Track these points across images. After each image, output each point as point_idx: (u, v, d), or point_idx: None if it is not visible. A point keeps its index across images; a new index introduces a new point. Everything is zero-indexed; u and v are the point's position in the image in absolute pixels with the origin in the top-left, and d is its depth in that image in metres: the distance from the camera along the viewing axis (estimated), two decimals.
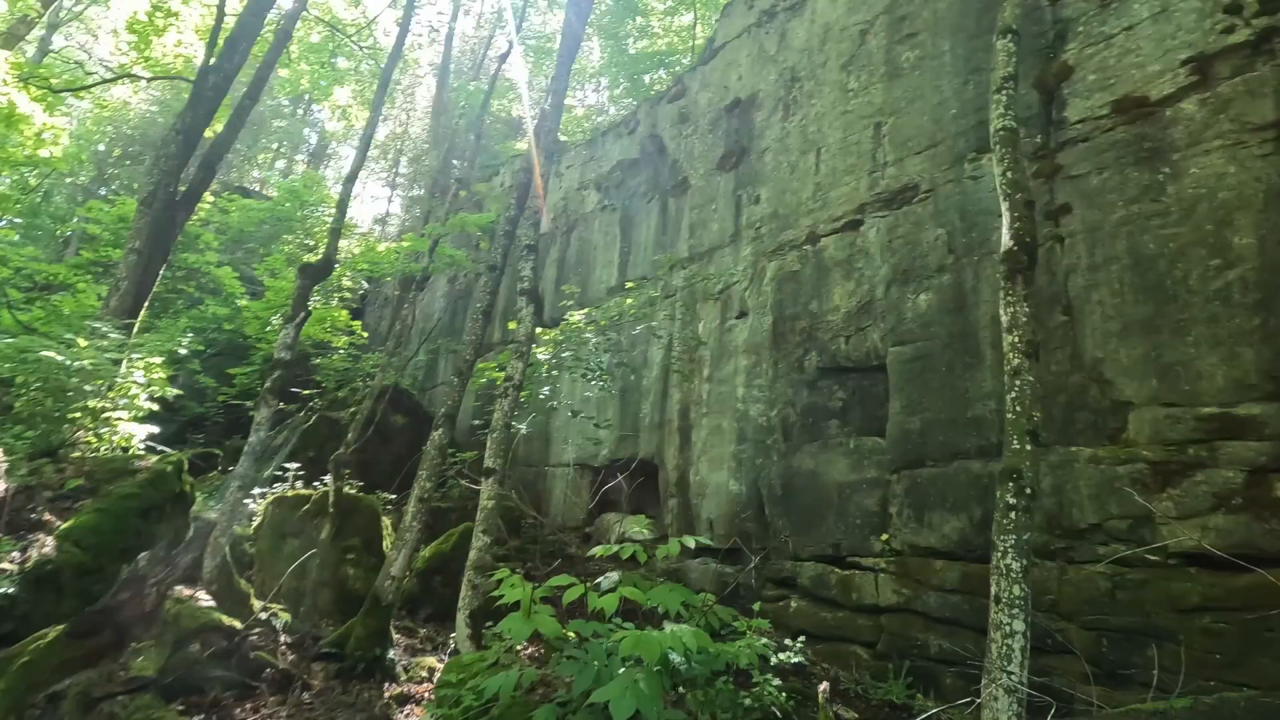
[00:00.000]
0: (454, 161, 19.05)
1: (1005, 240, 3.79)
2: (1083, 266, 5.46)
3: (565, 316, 9.55)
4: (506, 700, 2.52)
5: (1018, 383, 3.48)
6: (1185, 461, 4.64)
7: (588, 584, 2.71)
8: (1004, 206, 3.88)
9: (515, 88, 23.51)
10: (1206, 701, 1.93)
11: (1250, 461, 4.39)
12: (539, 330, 9.45)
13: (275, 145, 27.22)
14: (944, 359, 6.18)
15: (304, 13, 11.56)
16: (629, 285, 9.83)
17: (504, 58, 13.26)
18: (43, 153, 10.40)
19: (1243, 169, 4.80)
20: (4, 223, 14.60)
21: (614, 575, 2.85)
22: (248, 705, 4.09)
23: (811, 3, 8.75)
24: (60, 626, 3.14)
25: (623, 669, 2.20)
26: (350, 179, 8.31)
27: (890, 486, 6.29)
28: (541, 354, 9.06)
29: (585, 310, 9.53)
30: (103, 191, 19.55)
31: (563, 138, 15.23)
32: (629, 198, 11.24)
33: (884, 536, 6.19)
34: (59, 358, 5.05)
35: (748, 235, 8.63)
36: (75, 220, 16.68)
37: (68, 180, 18.49)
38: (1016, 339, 3.56)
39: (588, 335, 8.87)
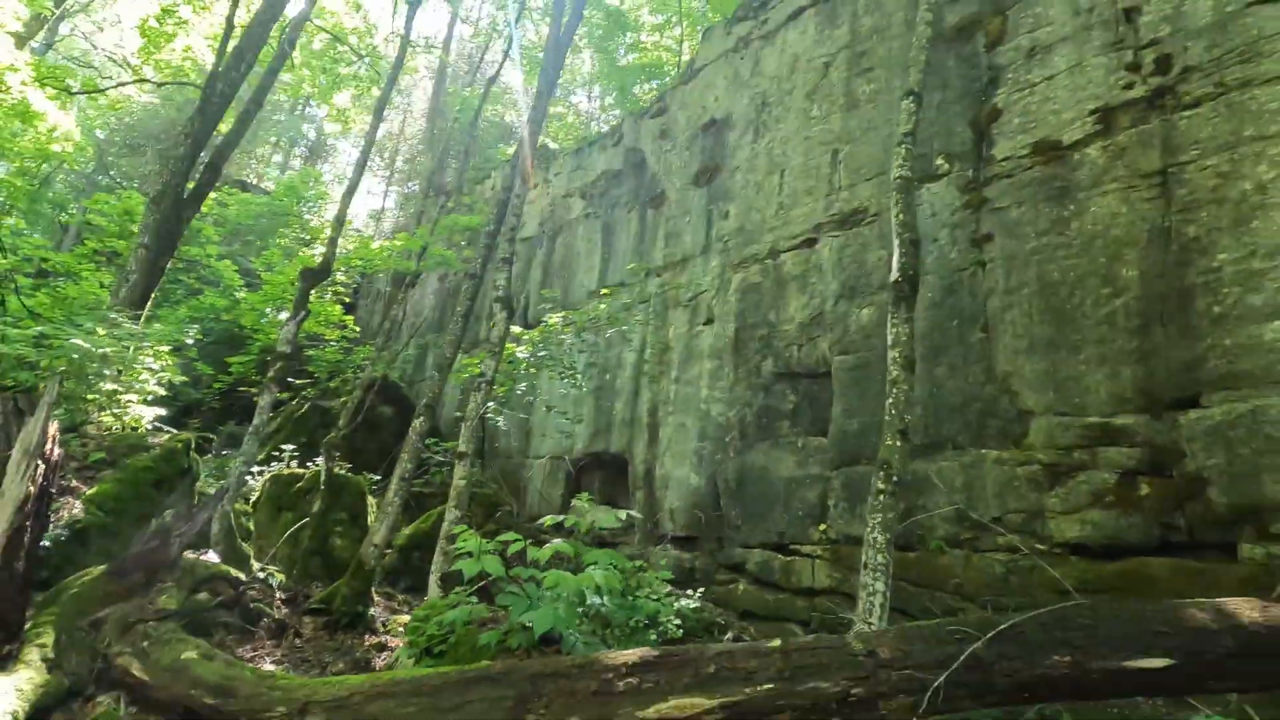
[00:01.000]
0: (449, 161, 19.65)
1: (893, 273, 4.45)
2: (1000, 290, 6.13)
3: (545, 318, 10.18)
4: (462, 630, 3.17)
5: (895, 390, 4.13)
6: (1071, 464, 5.33)
7: (529, 541, 3.37)
8: (895, 244, 4.54)
9: (510, 91, 24.12)
10: (968, 619, 2.59)
11: (1122, 465, 5.08)
12: (520, 330, 10.08)
13: (274, 140, 27.71)
14: (880, 368, 6.78)
15: (308, 20, 12.13)
16: (605, 291, 10.47)
17: (492, 80, 13.89)
18: (54, 148, 10.96)
19: (1132, 210, 5.48)
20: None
21: (556, 540, 3.50)
22: (248, 646, 4.76)
23: (783, 33, 9.39)
24: (102, 567, 3.78)
25: (550, 603, 2.85)
26: (349, 193, 8.93)
27: (830, 482, 6.95)
28: (521, 353, 9.69)
29: (564, 313, 10.16)
30: (103, 180, 20.00)
31: (553, 145, 15.86)
32: (611, 206, 11.87)
33: (822, 527, 6.86)
34: (86, 345, 5.70)
35: (717, 248, 9.27)
36: (75, 211, 17.14)
37: (67, 167, 18.93)
38: (897, 354, 4.22)
39: (564, 337, 9.50)
